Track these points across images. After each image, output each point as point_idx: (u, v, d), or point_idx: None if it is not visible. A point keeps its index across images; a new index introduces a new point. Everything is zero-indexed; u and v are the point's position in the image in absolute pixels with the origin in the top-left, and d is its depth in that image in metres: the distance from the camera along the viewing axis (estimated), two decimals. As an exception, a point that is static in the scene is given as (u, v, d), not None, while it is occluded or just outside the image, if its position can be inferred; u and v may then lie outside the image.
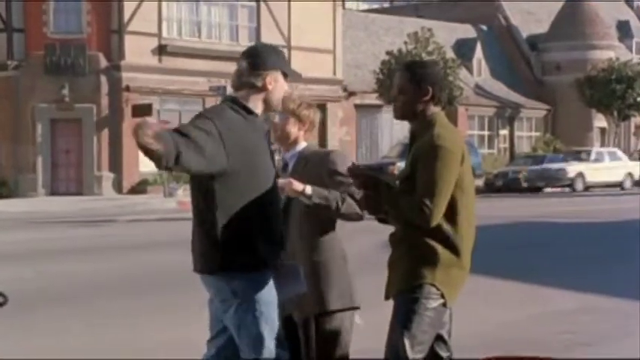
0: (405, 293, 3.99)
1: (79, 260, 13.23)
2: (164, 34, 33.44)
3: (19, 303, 7.89)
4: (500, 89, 47.38)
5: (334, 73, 38.47)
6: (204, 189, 3.92)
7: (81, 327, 8.07)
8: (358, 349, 4.69)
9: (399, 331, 3.94)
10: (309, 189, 4.31)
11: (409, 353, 3.91)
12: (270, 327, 3.95)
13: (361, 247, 10.37)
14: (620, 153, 38.06)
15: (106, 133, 32.00)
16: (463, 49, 46.26)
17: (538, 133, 47.62)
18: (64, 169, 31.96)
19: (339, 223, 4.53)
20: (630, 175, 36.19)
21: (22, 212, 24.75)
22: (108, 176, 32.09)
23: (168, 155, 3.58)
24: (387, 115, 39.06)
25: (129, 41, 32.29)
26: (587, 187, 34.36)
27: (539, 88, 48.70)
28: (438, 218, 3.89)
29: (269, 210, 4.00)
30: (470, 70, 45.95)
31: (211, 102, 31.98)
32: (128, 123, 31.96)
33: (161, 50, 33.19)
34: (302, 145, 4.59)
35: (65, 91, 31.12)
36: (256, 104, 4.03)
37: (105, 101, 31.94)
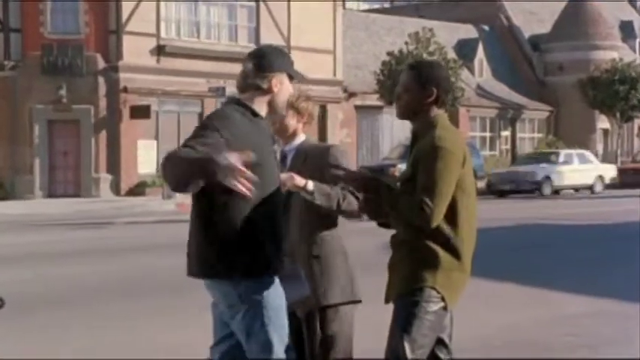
0: (406, 296, 3.98)
1: (77, 263, 13.24)
2: (162, 34, 33.33)
3: (18, 306, 8.12)
4: (502, 90, 47.33)
5: (334, 74, 38.34)
6: (208, 192, 3.83)
7: (80, 329, 8.11)
8: (358, 350, 4.70)
9: (399, 335, 3.93)
10: (310, 184, 4.33)
11: (409, 357, 3.90)
12: (278, 333, 3.91)
13: (362, 248, 10.77)
14: (590, 155, 36.57)
15: (103, 134, 31.94)
16: (464, 50, 46.21)
17: (540, 135, 47.60)
18: (61, 171, 31.88)
19: (340, 220, 4.57)
20: (601, 177, 34.91)
21: (19, 214, 24.68)
22: (106, 178, 32.02)
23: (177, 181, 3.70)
24: (387, 116, 39.02)
25: (127, 42, 32.18)
26: (556, 191, 33.18)
27: (541, 89, 48.68)
28: (438, 219, 3.88)
29: (274, 213, 3.98)
30: (471, 70, 45.88)
31: (210, 103, 31.95)
32: (126, 124, 31.87)
33: (159, 51, 33.08)
34: (301, 138, 4.60)
35: (63, 92, 31.01)
36: (261, 106, 4.02)
37: (103, 102, 31.86)
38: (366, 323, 4.78)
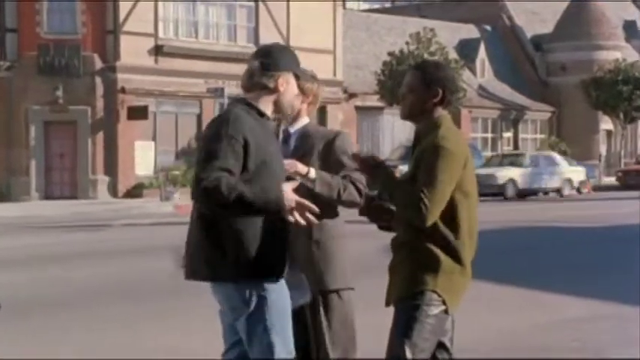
0: (406, 300, 3.99)
1: (74, 265, 13.25)
2: (160, 34, 33.19)
3: (15, 309, 8.21)
4: (504, 90, 47.28)
5: (334, 75, 38.15)
6: None
7: (79, 332, 8.15)
8: (359, 352, 4.73)
9: (399, 339, 3.94)
10: (312, 172, 4.36)
11: None
12: (281, 337, 3.92)
13: (362, 251, 10.73)
14: (558, 157, 35.29)
15: (101, 135, 31.81)
16: (466, 50, 46.16)
17: (543, 136, 47.60)
18: (58, 173, 31.77)
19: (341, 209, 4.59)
20: (569, 181, 33.79)
21: (15, 217, 24.52)
22: (103, 180, 31.89)
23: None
24: (388, 117, 38.94)
25: (124, 42, 32.03)
26: (522, 195, 32.08)
27: (543, 90, 48.62)
28: (434, 216, 3.89)
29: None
30: (473, 71, 45.81)
31: (209, 104, 31.82)
32: (123, 125, 31.65)
33: (157, 51, 32.95)
34: (304, 120, 4.59)
35: (59, 93, 30.87)
36: (267, 106, 4.02)
37: (100, 103, 31.73)
38: (366, 326, 4.77)
